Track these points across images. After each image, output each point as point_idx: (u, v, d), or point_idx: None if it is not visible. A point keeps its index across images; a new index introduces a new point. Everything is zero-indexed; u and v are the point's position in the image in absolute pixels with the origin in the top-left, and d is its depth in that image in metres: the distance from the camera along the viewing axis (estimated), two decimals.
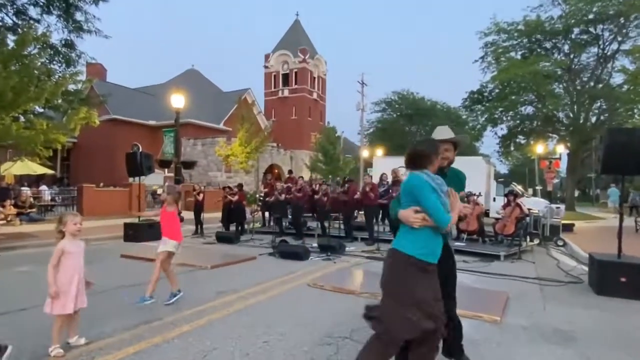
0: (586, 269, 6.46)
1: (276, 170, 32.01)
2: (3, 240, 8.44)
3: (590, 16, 22.08)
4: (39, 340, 3.30)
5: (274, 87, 42.05)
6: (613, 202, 25.20)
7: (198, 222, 11.41)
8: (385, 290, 2.38)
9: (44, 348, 3.15)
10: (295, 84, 40.74)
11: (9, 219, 12.08)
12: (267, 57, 42.58)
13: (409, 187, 2.34)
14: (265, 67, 42.61)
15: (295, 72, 40.76)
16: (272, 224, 11.88)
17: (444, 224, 2.20)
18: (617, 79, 22.77)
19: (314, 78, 42.15)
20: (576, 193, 31.31)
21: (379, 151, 30.84)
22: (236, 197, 11.45)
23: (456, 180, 2.73)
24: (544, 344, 3.55)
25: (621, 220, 5.82)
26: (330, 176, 25.86)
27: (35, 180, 21.01)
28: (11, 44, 9.13)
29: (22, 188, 16.07)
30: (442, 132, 2.87)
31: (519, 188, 18.09)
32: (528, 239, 9.60)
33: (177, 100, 14.15)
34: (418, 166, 2.36)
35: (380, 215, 10.81)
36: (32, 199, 15.04)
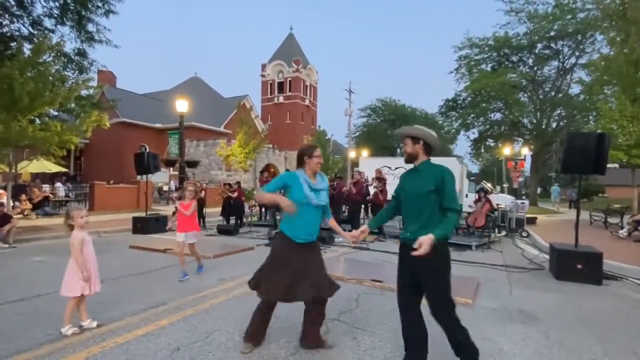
0: (547, 257, 6.57)
1: (272, 169, 31.86)
2: (20, 232, 8.24)
3: (552, 33, 22.39)
4: (53, 324, 3.25)
5: (270, 94, 41.83)
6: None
7: (200, 216, 11.31)
8: None
9: (58, 330, 3.11)
10: (290, 91, 40.61)
11: (25, 213, 11.84)
12: (263, 66, 42.35)
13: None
14: (262, 75, 42.38)
15: (290, 81, 40.63)
16: (267, 217, 11.83)
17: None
18: (575, 89, 23.15)
19: (307, 86, 42.03)
20: (538, 190, 31.82)
21: (365, 152, 30.90)
22: (235, 194, 11.38)
23: (423, 175, 2.42)
24: (511, 323, 3.61)
25: (578, 214, 5.93)
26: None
27: (50, 178, 20.61)
28: (27, 52, 8.91)
29: (43, 185, 15.77)
30: (403, 129, 2.60)
31: (488, 185, 18.28)
32: (496, 231, 9.72)
33: (181, 105, 13.99)
34: (298, 165, 2.87)
35: (363, 209, 10.84)
36: (52, 195, 14.78)
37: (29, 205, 12.37)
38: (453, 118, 27.31)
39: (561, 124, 24.40)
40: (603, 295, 4.72)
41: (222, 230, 9.88)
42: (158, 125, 29.71)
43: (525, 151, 25.38)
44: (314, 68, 43.33)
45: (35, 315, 3.56)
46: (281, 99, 40.84)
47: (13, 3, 10.70)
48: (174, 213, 5.58)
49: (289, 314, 3.67)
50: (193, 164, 21.25)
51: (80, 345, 2.92)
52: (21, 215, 11.36)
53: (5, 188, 10.09)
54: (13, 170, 9.84)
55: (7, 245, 7.30)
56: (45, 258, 6.26)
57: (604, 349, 3.06)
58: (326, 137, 31.34)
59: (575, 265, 5.32)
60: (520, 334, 3.33)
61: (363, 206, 10.86)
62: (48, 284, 4.50)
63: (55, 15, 11.34)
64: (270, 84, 41.86)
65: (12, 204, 10.44)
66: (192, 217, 5.20)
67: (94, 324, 3.28)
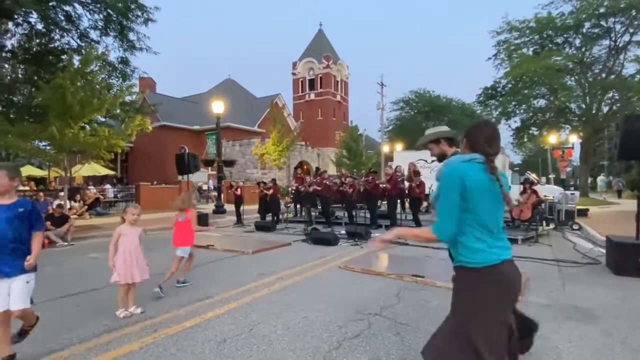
0: (603, 250, 6.12)
1: (305, 166, 32.11)
2: (76, 231, 8.87)
3: (602, 10, 20.72)
4: (109, 315, 3.48)
5: (301, 92, 42.09)
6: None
7: (238, 213, 11.63)
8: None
9: (117, 320, 3.36)
10: (320, 88, 40.63)
11: (79, 213, 12.74)
12: (294, 64, 42.65)
13: None
14: (293, 73, 42.71)
15: (320, 77, 40.64)
16: (303, 214, 11.92)
17: None
18: (630, 69, 21.32)
19: (337, 82, 41.86)
20: (589, 180, 29.84)
21: (399, 146, 30.32)
22: (271, 191, 11.56)
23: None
24: (567, 320, 3.39)
25: (639, 204, 5.45)
26: (354, 170, 25.67)
27: (99, 181, 22.04)
28: (76, 64, 9.53)
29: (90, 187, 16.92)
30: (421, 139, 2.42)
31: (533, 176, 17.36)
32: (544, 224, 9.19)
33: (218, 107, 14.43)
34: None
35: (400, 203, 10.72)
36: (102, 196, 15.81)
37: (85, 208, 13.31)
38: (492, 107, 26.13)
39: (614, 107, 22.60)
40: None
41: (260, 227, 10.08)
42: (196, 127, 30.85)
43: (574, 139, 23.79)
44: (344, 63, 43.04)
45: (93, 307, 3.82)
46: (312, 96, 40.97)
47: (62, 18, 11.48)
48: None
49: (328, 308, 3.68)
50: (230, 163, 21.94)
51: (134, 335, 3.09)
52: (76, 216, 12.25)
53: (62, 190, 10.90)
54: (68, 174, 10.61)
55: (66, 243, 7.90)
56: (99, 255, 6.68)
57: None
58: (358, 132, 31.02)
59: (637, 259, 4.90)
60: (577, 332, 3.12)
61: (399, 200, 10.70)
62: (104, 279, 4.78)
63: (100, 27, 12.03)
64: (302, 81, 42.10)
65: (68, 205, 11.26)
66: (189, 228, 4.63)
67: (139, 310, 3.59)
